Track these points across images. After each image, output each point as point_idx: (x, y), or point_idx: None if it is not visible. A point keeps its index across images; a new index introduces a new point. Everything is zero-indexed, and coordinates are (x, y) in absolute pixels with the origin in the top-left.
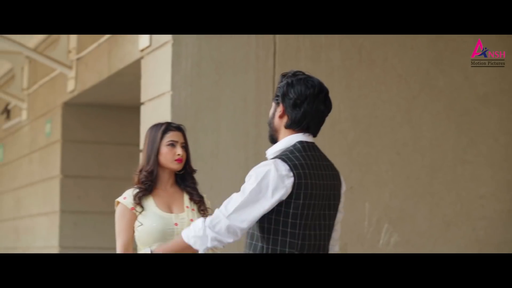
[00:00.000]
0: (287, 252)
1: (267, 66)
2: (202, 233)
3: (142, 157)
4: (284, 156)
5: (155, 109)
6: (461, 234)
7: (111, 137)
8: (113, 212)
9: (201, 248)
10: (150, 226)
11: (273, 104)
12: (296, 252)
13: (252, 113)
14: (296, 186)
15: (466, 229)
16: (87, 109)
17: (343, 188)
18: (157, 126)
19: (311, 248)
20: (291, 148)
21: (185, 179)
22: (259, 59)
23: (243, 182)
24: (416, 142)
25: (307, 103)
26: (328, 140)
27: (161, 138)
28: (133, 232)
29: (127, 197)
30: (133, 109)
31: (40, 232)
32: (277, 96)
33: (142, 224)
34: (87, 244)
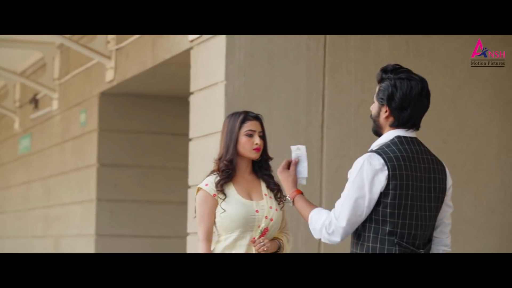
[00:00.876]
0: (387, 239)
1: (318, 56)
2: (319, 228)
3: (220, 145)
4: (380, 150)
5: (207, 98)
6: (504, 221)
7: (148, 126)
8: (149, 201)
9: (314, 236)
10: (234, 213)
11: (376, 103)
12: (396, 240)
13: (303, 102)
14: (391, 177)
15: (509, 216)
16: (125, 98)
17: (449, 182)
18: (235, 115)
19: (411, 238)
20: (389, 142)
21: (262, 167)
22: (310, 49)
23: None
24: (461, 130)
25: (413, 103)
26: None
27: (240, 127)
28: (214, 218)
29: (209, 184)
30: (170, 98)
31: (73, 221)
32: (382, 98)
33: (225, 211)
34: (123, 232)
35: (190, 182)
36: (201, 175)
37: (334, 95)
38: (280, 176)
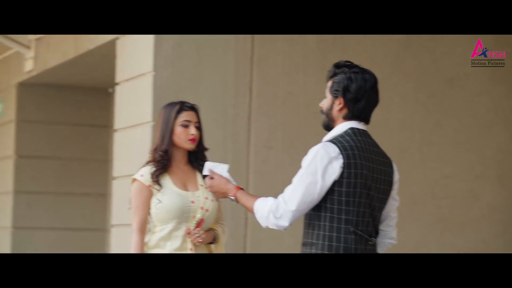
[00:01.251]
0: (343, 227)
1: (246, 47)
2: (266, 214)
3: (156, 136)
4: (335, 140)
5: (134, 89)
6: (426, 212)
7: (67, 118)
8: (67, 193)
9: (262, 225)
10: (169, 204)
11: (330, 96)
12: (352, 229)
13: (231, 94)
14: (346, 165)
15: (431, 208)
16: (44, 89)
17: (396, 176)
18: (170, 105)
19: (365, 225)
20: (343, 133)
21: (198, 157)
22: (238, 41)
23: (222, 161)
24: (386, 123)
25: (366, 96)
26: (303, 120)
27: (175, 118)
28: (149, 209)
29: (144, 175)
30: (91, 89)
31: None
32: (337, 90)
33: (160, 202)
34: (40, 224)
35: (114, 174)
36: (127, 167)
37: (262, 87)
38: (212, 188)
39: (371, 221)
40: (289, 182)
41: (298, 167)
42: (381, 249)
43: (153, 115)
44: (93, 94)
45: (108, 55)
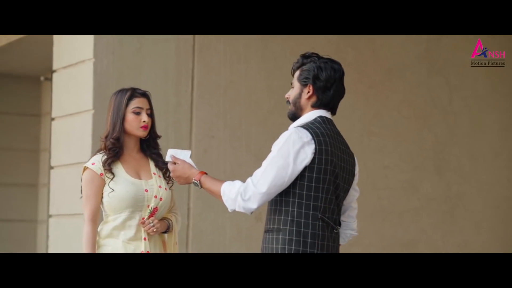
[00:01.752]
0: (311, 213)
1: (187, 35)
2: (234, 197)
3: (107, 123)
4: (306, 126)
5: (73, 76)
6: (366, 203)
7: None
8: None
9: (229, 208)
10: (122, 192)
11: (298, 85)
12: (319, 215)
13: (172, 82)
14: (317, 151)
15: (371, 198)
16: None
17: (357, 167)
18: (122, 92)
19: (331, 213)
20: (312, 121)
21: (150, 145)
22: None
23: (163, 149)
24: None
25: (335, 85)
26: (245, 109)
27: (126, 105)
28: (101, 197)
29: (95, 163)
30: (21, 78)
31: None
32: (307, 78)
33: (113, 190)
34: None
35: (53, 163)
36: (66, 156)
37: (203, 75)
38: (175, 173)
39: (336, 209)
40: (231, 171)
41: (239, 156)
42: (342, 240)
43: (93, 103)
44: (24, 82)
45: (43, 42)
